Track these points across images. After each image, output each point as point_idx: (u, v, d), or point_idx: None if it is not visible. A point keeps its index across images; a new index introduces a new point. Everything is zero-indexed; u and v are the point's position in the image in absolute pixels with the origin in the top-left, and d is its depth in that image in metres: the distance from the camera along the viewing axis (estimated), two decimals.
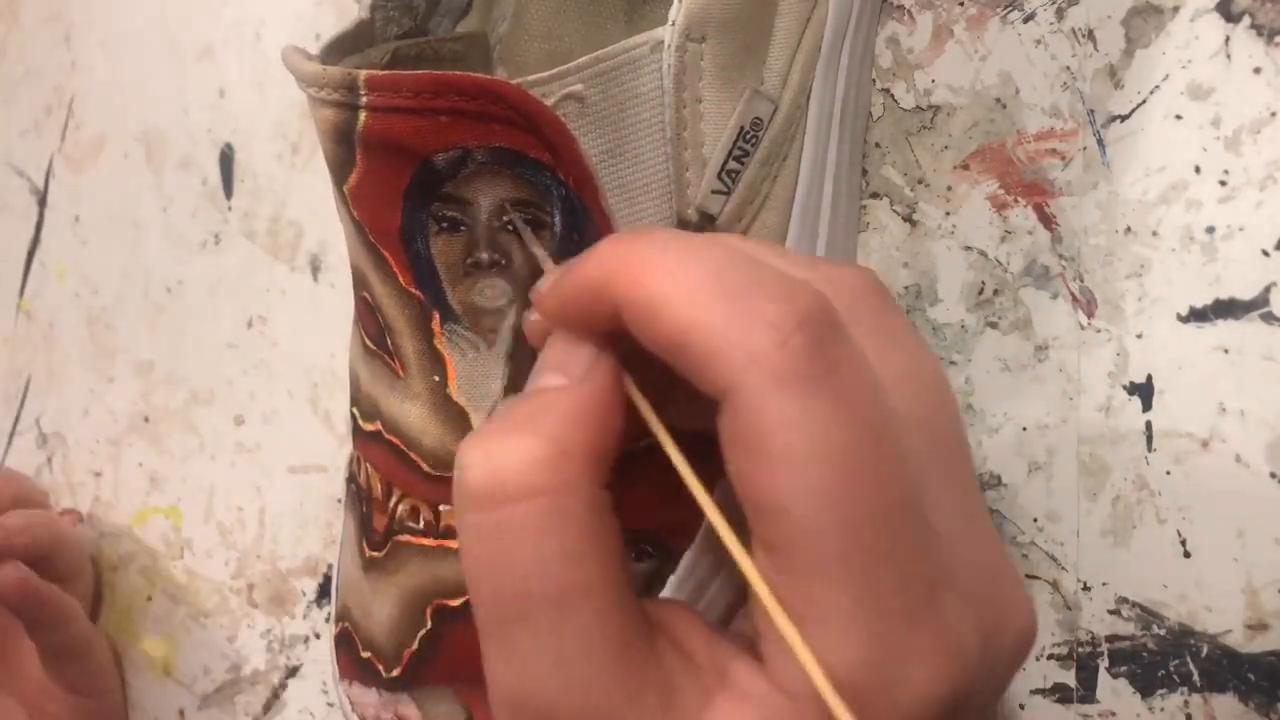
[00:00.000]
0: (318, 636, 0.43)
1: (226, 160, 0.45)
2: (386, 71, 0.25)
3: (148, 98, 0.47)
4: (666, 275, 0.19)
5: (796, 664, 0.18)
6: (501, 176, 0.26)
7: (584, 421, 0.20)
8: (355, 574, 0.31)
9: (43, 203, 0.50)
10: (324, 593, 0.42)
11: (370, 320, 0.29)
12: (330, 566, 0.42)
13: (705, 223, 0.27)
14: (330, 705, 0.42)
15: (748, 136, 0.27)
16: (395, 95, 0.25)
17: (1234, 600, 0.28)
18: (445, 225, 0.27)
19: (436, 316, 0.27)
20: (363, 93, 0.25)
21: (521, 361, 0.28)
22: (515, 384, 0.28)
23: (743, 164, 0.27)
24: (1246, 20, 0.28)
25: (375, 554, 0.30)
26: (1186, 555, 0.28)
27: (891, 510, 0.18)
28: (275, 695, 0.44)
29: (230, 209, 0.45)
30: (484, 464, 0.19)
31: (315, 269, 0.43)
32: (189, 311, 0.46)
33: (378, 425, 0.29)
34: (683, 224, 0.27)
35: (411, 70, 0.24)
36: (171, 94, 0.46)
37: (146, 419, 0.47)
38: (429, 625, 0.29)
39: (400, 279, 0.27)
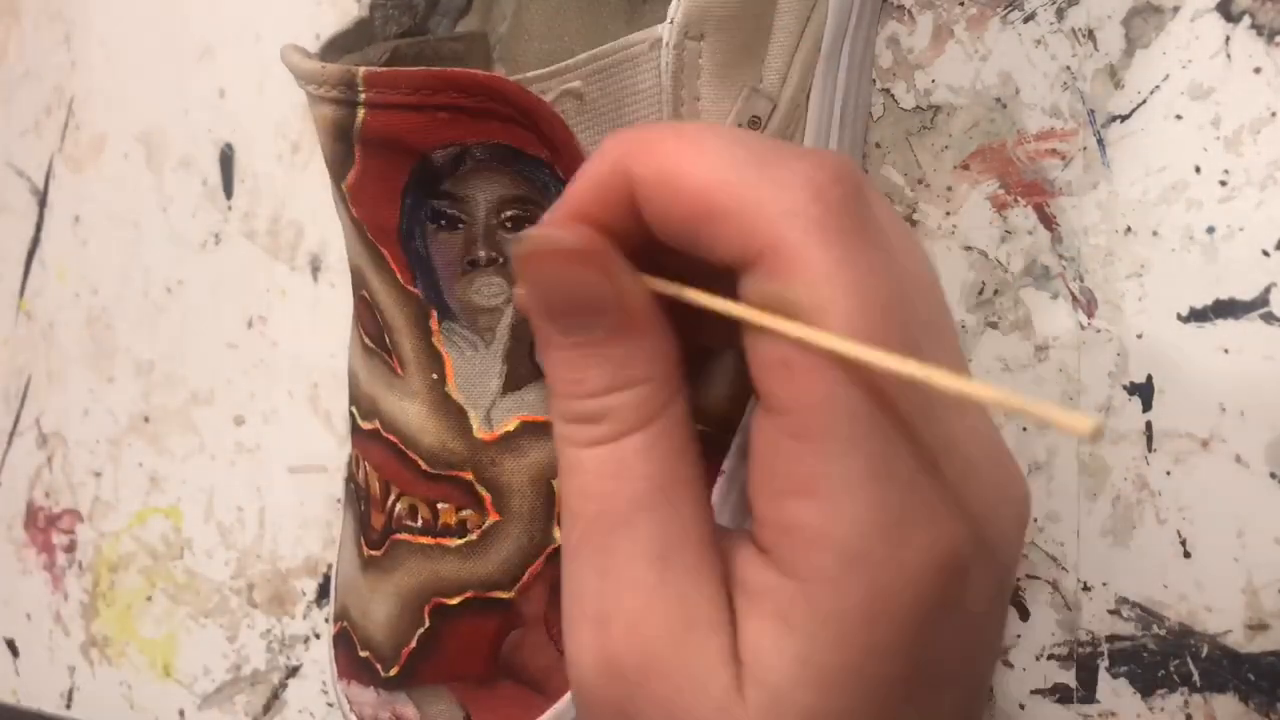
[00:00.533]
0: (318, 636, 0.43)
1: (226, 160, 0.45)
2: (385, 69, 0.25)
3: (148, 98, 0.47)
4: (687, 146, 0.19)
5: (798, 546, 0.18)
6: (500, 174, 0.26)
7: (660, 347, 0.20)
8: (353, 573, 0.31)
9: (43, 203, 0.50)
10: (324, 593, 0.42)
11: (369, 318, 0.29)
12: (330, 566, 0.42)
13: None
14: (330, 705, 0.42)
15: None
16: (393, 92, 0.25)
17: (1234, 600, 0.28)
18: (444, 223, 0.27)
19: (435, 314, 0.27)
20: (361, 90, 0.25)
21: (519, 360, 0.28)
22: (513, 382, 0.28)
23: None
24: (1246, 20, 0.28)
25: (373, 553, 0.30)
26: (1186, 555, 0.28)
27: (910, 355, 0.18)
28: (275, 695, 0.44)
29: (230, 209, 0.45)
30: (594, 405, 0.20)
31: (315, 269, 0.43)
32: (189, 311, 0.46)
33: (376, 424, 0.29)
34: None
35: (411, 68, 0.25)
36: (171, 94, 0.46)
37: (146, 419, 0.47)
38: (427, 624, 0.29)
39: (399, 277, 0.27)
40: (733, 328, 0.19)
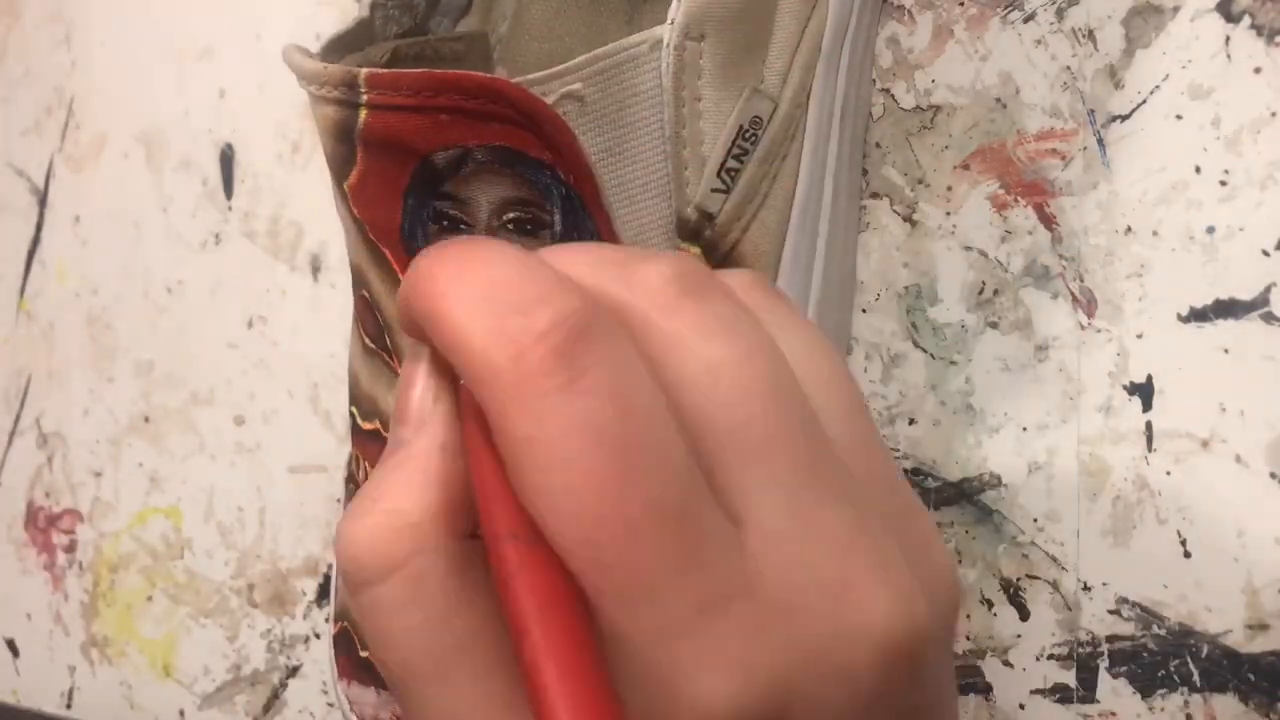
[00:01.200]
0: (318, 636, 0.43)
1: (226, 160, 0.45)
2: (387, 70, 0.25)
3: (148, 98, 0.47)
4: (443, 286, 0.19)
5: None
6: (501, 176, 0.26)
7: (423, 484, 0.19)
8: (344, 581, 0.31)
9: (43, 203, 0.50)
10: (324, 593, 0.42)
11: (369, 318, 0.29)
12: (330, 566, 0.42)
13: (704, 221, 0.27)
14: (330, 705, 0.42)
15: (747, 135, 0.27)
16: (395, 94, 0.25)
17: (1234, 600, 0.28)
18: (445, 224, 0.27)
19: None
20: (363, 91, 0.25)
21: None
22: None
23: (742, 163, 0.27)
24: (1246, 20, 0.28)
25: None
26: (1186, 555, 0.28)
27: (642, 526, 0.17)
28: (275, 695, 0.44)
29: (230, 209, 0.45)
30: (345, 549, 0.20)
31: (315, 269, 0.43)
32: (189, 311, 0.46)
33: (377, 424, 0.29)
34: (682, 223, 0.27)
35: (411, 69, 0.25)
36: (171, 94, 0.46)
37: (146, 419, 0.47)
38: None
39: (400, 276, 0.27)
40: None
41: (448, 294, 0.19)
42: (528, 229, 0.27)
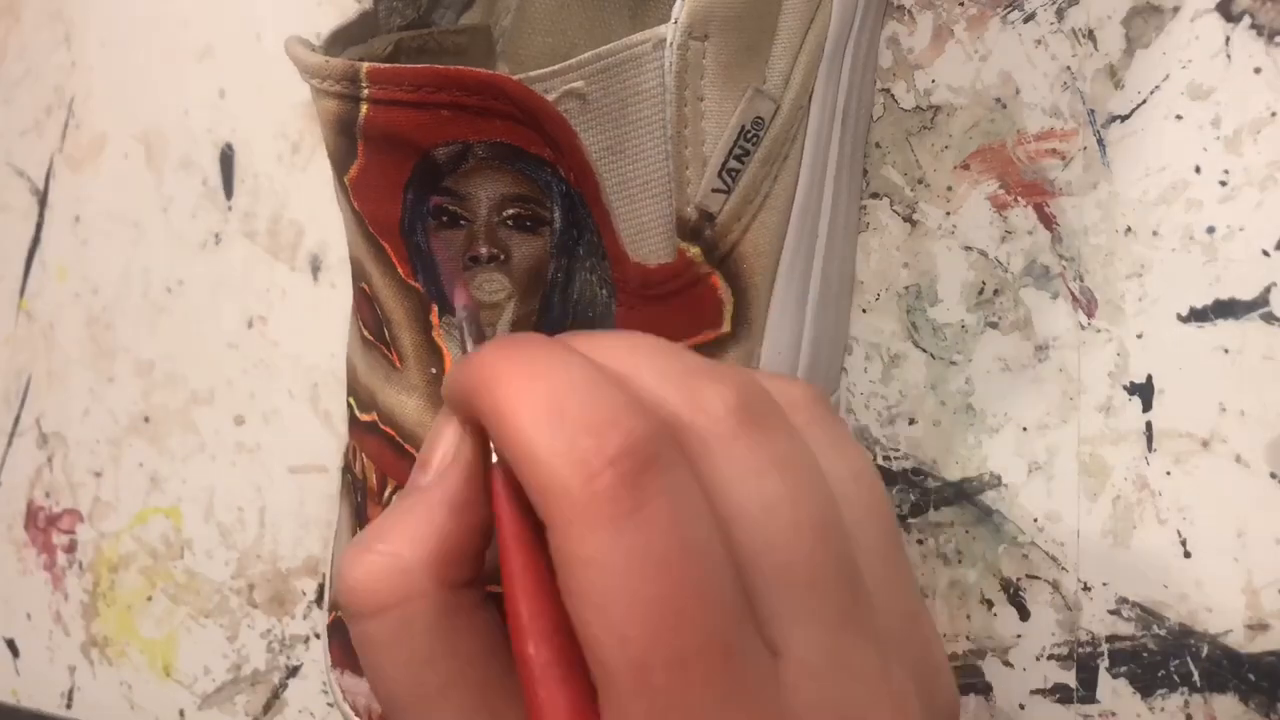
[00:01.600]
0: (318, 636, 0.43)
1: (226, 160, 0.45)
2: (388, 64, 0.25)
3: (148, 98, 0.47)
4: (511, 392, 0.19)
5: None
6: (502, 172, 0.26)
7: (424, 534, 0.20)
8: (342, 609, 0.31)
9: (43, 203, 0.50)
10: (324, 593, 0.42)
11: (368, 311, 0.29)
12: (330, 566, 0.42)
13: (704, 221, 0.27)
14: (330, 705, 0.42)
15: (749, 135, 0.27)
16: (397, 89, 0.25)
17: (1234, 600, 0.28)
18: (445, 220, 0.27)
19: (435, 309, 0.27)
20: (364, 85, 0.25)
21: None
22: None
23: (743, 163, 0.27)
24: (1246, 20, 0.28)
25: None
26: (1186, 555, 0.28)
27: (692, 656, 0.17)
28: (275, 695, 0.44)
29: (230, 209, 0.45)
30: (343, 580, 0.20)
31: (315, 269, 0.43)
32: (189, 311, 0.46)
33: (374, 415, 0.29)
34: (682, 222, 0.27)
35: (414, 62, 0.25)
36: (171, 94, 0.46)
37: (146, 419, 0.47)
38: None
39: (399, 270, 0.27)
40: None
41: (516, 402, 0.19)
42: (527, 225, 0.27)
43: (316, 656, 0.43)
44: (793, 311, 0.29)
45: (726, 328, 0.28)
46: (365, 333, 0.30)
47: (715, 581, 0.18)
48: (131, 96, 0.48)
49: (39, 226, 0.51)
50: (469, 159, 0.26)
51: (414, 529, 0.20)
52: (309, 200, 0.43)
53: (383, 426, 0.29)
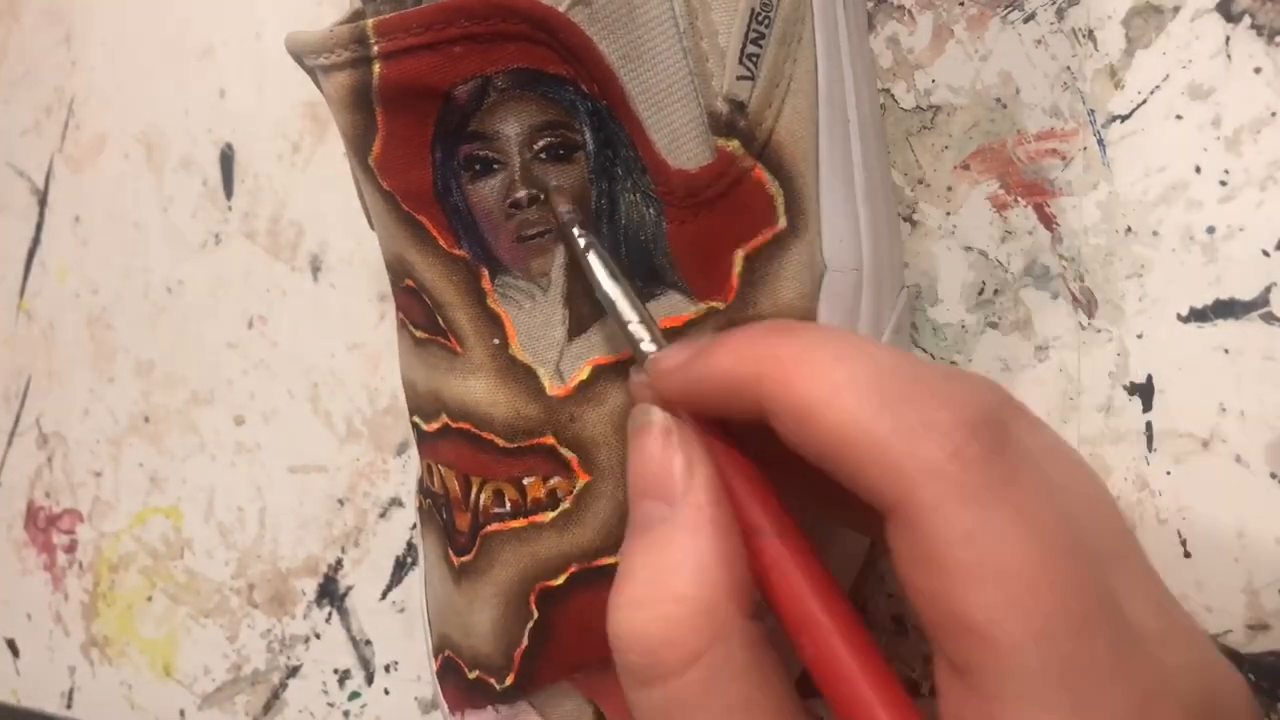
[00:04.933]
0: (318, 636, 0.43)
1: (226, 160, 0.45)
2: (392, 14, 0.24)
3: (148, 98, 0.47)
4: (823, 376, 0.18)
5: None
6: (525, 101, 0.25)
7: (708, 564, 0.19)
8: (447, 593, 0.29)
9: (43, 203, 0.50)
10: (324, 593, 0.42)
11: (417, 308, 0.28)
12: (330, 566, 0.42)
13: (737, 112, 0.26)
14: (330, 705, 0.42)
15: (759, 18, 0.26)
16: (405, 35, 0.24)
17: (1234, 600, 0.28)
18: (479, 168, 0.26)
19: (486, 273, 0.27)
20: (373, 41, 0.25)
21: (579, 300, 0.26)
22: (577, 325, 0.27)
23: (761, 46, 0.26)
24: (1246, 20, 0.28)
25: (464, 559, 0.28)
26: (1186, 555, 0.28)
27: (1092, 620, 0.17)
28: (275, 695, 0.44)
29: (230, 209, 0.45)
30: (636, 643, 0.19)
31: (315, 269, 0.43)
32: (189, 311, 0.46)
33: (443, 420, 0.28)
34: (714, 117, 0.26)
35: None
36: (171, 94, 0.46)
37: (146, 419, 0.47)
38: (535, 615, 0.27)
39: (441, 242, 0.27)
40: (876, 525, 0.18)
41: (831, 386, 0.18)
42: (560, 154, 0.26)
43: (316, 656, 0.43)
44: (843, 198, 0.28)
45: (782, 223, 0.27)
46: (417, 333, 0.29)
47: (1081, 545, 0.17)
48: (131, 96, 0.48)
49: (39, 226, 0.51)
50: (490, 93, 0.25)
51: (694, 563, 0.19)
52: (309, 200, 0.43)
53: (454, 425, 0.28)
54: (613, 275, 0.25)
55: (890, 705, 0.18)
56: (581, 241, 0.25)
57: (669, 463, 0.20)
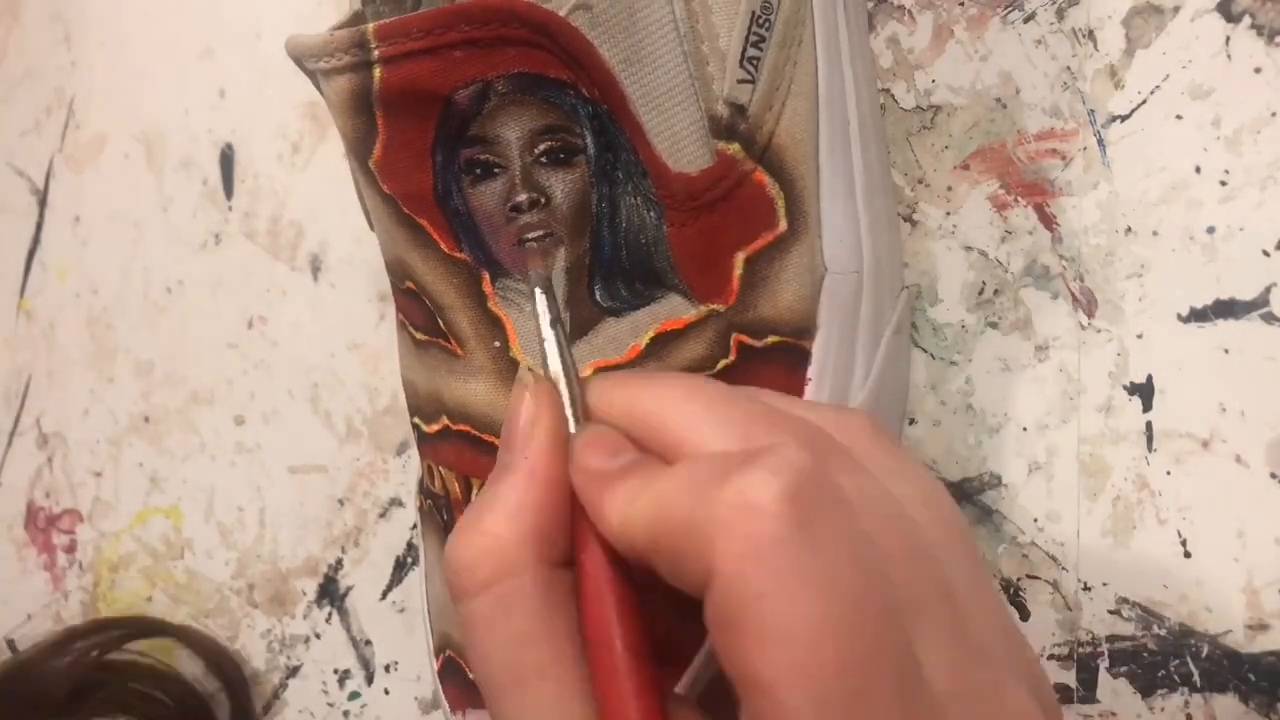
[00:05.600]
0: (318, 636, 0.43)
1: (226, 160, 0.45)
2: (392, 18, 0.24)
3: (148, 98, 0.47)
4: (631, 486, 0.19)
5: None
6: (525, 105, 0.25)
7: (517, 510, 0.21)
8: (448, 593, 0.30)
9: (43, 203, 0.50)
10: (324, 593, 0.42)
11: (416, 310, 0.28)
12: (330, 566, 0.42)
13: (737, 115, 0.26)
14: (330, 705, 0.42)
15: (760, 21, 0.26)
16: (406, 39, 0.24)
17: (1234, 600, 0.28)
18: (479, 172, 0.26)
19: (486, 277, 0.27)
20: (374, 45, 0.24)
21: (580, 302, 0.27)
22: (579, 327, 0.27)
23: (761, 49, 0.26)
24: (1246, 20, 0.28)
25: None
26: (1186, 555, 0.28)
27: (875, 682, 0.17)
28: (275, 695, 0.44)
29: (230, 209, 0.45)
30: (449, 564, 0.21)
31: (315, 269, 0.43)
32: (189, 311, 0.46)
33: (444, 422, 0.28)
34: (714, 120, 0.26)
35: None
36: (171, 94, 0.46)
37: (146, 419, 0.47)
38: None
39: (442, 246, 0.27)
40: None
41: (633, 495, 0.19)
42: (561, 158, 0.26)
43: (316, 656, 0.43)
44: (844, 200, 0.29)
45: (783, 225, 0.27)
46: (417, 335, 0.29)
47: (886, 596, 0.18)
48: (131, 96, 0.48)
49: (39, 226, 0.51)
50: (490, 98, 0.25)
51: (507, 507, 0.21)
52: (309, 200, 0.43)
53: (454, 428, 0.28)
54: (561, 355, 0.23)
55: (645, 713, 0.19)
56: (547, 316, 0.23)
57: (518, 417, 0.22)
